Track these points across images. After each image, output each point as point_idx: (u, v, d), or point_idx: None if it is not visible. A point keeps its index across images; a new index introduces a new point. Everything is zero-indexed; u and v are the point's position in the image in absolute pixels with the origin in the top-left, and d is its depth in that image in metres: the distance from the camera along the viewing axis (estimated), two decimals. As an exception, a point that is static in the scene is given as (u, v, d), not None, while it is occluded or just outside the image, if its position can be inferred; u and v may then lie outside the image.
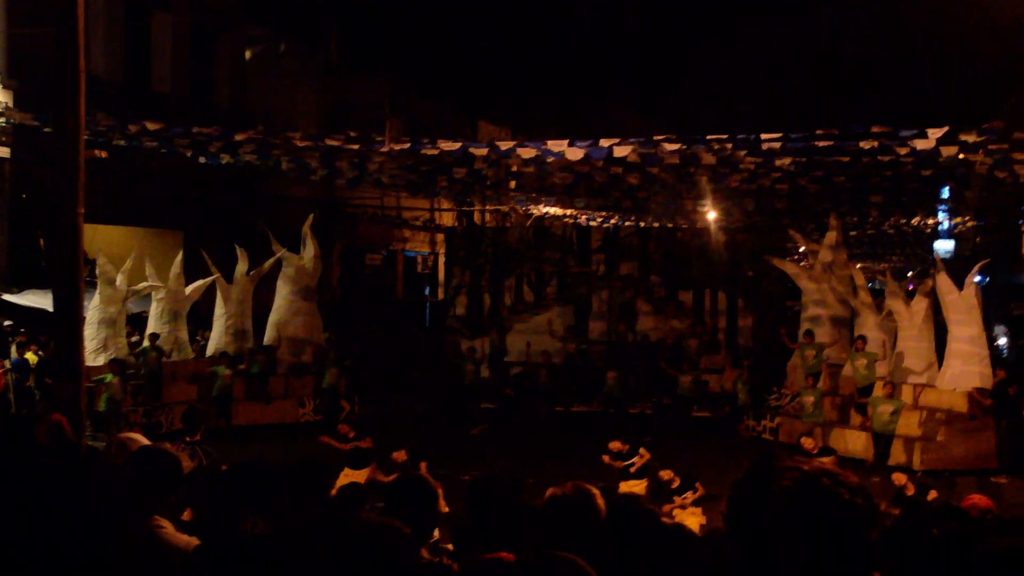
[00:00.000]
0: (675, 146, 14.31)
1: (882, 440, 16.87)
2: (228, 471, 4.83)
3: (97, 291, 19.22)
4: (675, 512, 12.15)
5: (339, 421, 16.52)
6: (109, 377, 18.01)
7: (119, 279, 19.53)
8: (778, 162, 14.53)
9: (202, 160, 17.12)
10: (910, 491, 11.75)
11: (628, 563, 3.27)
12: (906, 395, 17.76)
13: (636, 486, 13.00)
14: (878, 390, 17.37)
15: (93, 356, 18.30)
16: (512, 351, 25.53)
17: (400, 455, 12.98)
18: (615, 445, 13.75)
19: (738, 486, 2.08)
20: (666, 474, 12.68)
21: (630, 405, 22.28)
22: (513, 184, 22.08)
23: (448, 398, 23.14)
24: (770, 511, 1.95)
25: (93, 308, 18.89)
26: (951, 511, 7.18)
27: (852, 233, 29.36)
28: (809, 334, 20.32)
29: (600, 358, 24.79)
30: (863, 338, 18.89)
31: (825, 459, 12.74)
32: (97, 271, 19.17)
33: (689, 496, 12.42)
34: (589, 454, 16.89)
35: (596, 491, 3.96)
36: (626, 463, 13.60)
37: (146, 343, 19.98)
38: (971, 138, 13.14)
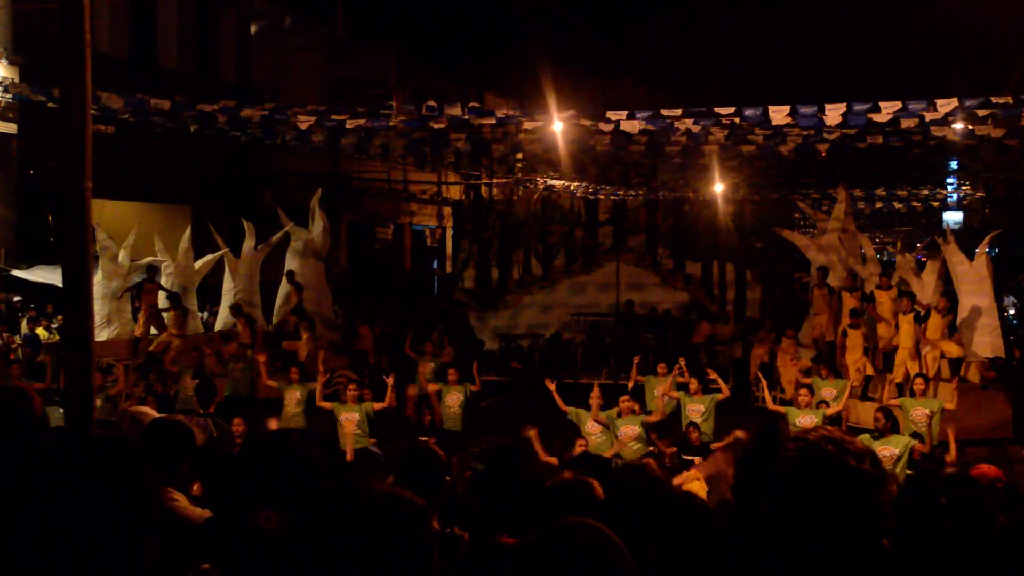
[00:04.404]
0: (685, 123, 14.23)
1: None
2: (243, 452, 4.81)
3: (99, 266, 19.22)
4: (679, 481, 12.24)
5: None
6: None
7: (121, 254, 19.52)
8: (784, 128, 14.41)
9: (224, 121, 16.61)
10: (917, 456, 11.83)
11: (638, 532, 3.28)
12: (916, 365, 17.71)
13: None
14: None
15: (98, 331, 18.38)
16: (521, 324, 25.60)
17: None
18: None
19: (744, 458, 2.09)
20: (693, 433, 12.89)
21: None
22: (520, 155, 21.98)
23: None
24: (776, 482, 1.96)
25: (96, 283, 18.89)
26: (960, 479, 7.18)
27: (860, 205, 29.28)
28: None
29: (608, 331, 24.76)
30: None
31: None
32: (98, 246, 19.15)
33: (698, 461, 12.52)
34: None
35: (595, 481, 4.03)
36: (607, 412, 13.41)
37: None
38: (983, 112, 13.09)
